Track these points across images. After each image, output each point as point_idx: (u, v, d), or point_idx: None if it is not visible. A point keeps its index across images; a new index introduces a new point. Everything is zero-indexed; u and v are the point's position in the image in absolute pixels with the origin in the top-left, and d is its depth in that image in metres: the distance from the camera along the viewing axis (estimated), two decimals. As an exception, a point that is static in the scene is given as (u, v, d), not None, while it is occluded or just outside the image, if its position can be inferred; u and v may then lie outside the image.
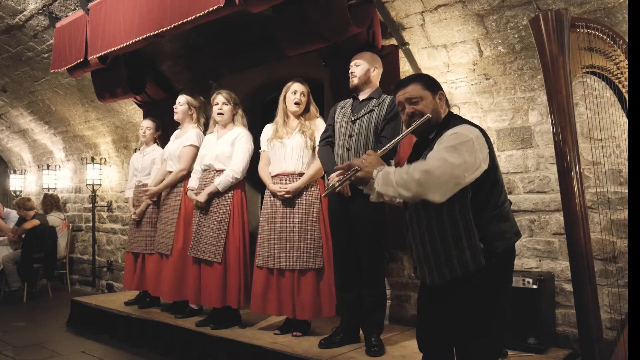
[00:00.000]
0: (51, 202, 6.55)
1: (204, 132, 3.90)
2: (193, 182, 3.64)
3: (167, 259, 3.80)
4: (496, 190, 1.86)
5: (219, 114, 3.55)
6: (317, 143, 3.17)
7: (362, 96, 2.99)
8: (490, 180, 1.84)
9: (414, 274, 2.06)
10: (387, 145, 2.04)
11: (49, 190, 7.21)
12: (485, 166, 1.79)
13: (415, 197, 1.76)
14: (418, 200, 1.80)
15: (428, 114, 1.88)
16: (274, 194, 3.24)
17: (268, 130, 3.39)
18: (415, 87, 1.92)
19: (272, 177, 3.30)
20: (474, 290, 1.83)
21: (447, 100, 2.00)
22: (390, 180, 1.79)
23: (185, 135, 3.91)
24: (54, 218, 6.30)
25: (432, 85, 1.95)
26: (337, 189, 2.21)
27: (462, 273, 1.80)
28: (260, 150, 3.42)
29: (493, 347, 1.89)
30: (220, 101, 3.54)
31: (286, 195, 3.17)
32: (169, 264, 3.77)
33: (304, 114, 3.29)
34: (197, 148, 3.79)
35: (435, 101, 1.92)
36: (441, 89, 1.97)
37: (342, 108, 3.05)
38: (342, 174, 1.97)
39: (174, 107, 3.99)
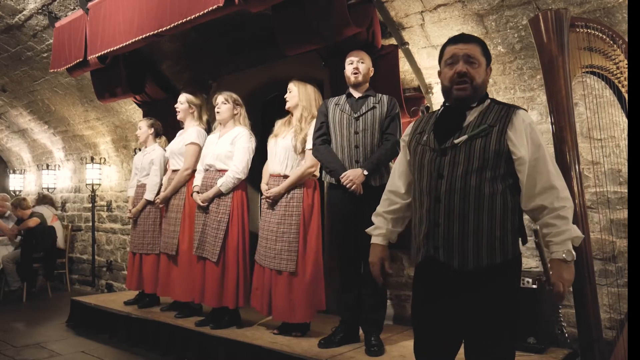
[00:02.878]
0: (45, 199, 6.59)
1: (208, 131, 3.91)
2: (197, 182, 3.65)
3: (172, 259, 3.80)
4: None
5: (217, 112, 3.57)
6: (308, 145, 3.12)
7: (358, 94, 2.98)
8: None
9: (423, 253, 1.76)
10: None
11: (48, 190, 7.21)
12: None
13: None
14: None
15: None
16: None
17: (276, 126, 3.42)
18: (477, 49, 1.75)
19: (269, 175, 3.32)
20: (506, 283, 1.68)
21: None
22: (573, 236, 1.64)
23: (187, 133, 3.91)
24: (45, 209, 6.31)
25: (488, 56, 1.80)
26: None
27: (501, 260, 1.65)
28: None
29: (512, 349, 1.76)
30: (220, 101, 3.56)
31: (268, 200, 3.22)
32: (178, 263, 3.76)
33: (298, 114, 3.24)
34: (199, 145, 3.79)
35: (487, 72, 1.79)
36: (491, 61, 1.85)
37: (336, 105, 3.01)
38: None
39: (176, 106, 4.01)
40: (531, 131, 1.70)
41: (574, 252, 1.63)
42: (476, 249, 1.66)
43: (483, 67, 1.76)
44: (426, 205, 1.75)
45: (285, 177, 3.20)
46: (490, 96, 1.82)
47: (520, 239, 1.74)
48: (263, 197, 3.27)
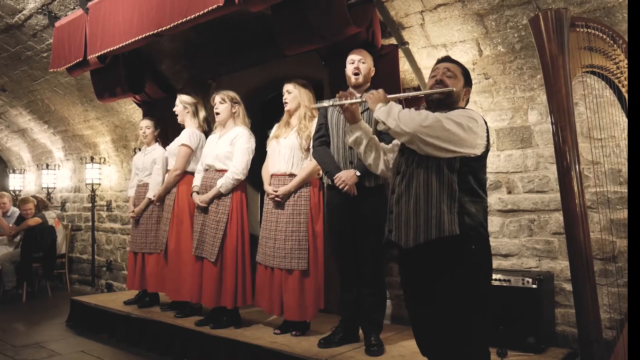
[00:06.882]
0: (42, 205, 6.55)
1: (209, 131, 3.92)
2: (196, 182, 3.65)
3: (164, 257, 3.84)
4: (478, 183, 1.97)
5: (216, 113, 3.57)
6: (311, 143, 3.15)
7: (357, 94, 2.98)
8: (476, 171, 1.96)
9: (385, 237, 2.13)
10: (399, 95, 2.24)
11: (47, 190, 7.20)
12: (478, 152, 1.94)
13: (412, 136, 1.89)
14: (411, 142, 1.92)
15: (452, 88, 2.03)
16: (267, 194, 3.29)
17: (274, 129, 3.43)
18: (457, 67, 2.12)
19: (270, 176, 3.32)
20: (455, 281, 1.91)
21: (468, 100, 2.19)
22: (394, 113, 1.94)
23: (181, 134, 3.94)
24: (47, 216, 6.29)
25: (467, 78, 2.15)
26: (329, 106, 2.51)
27: (436, 235, 1.90)
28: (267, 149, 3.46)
29: (474, 346, 1.94)
30: (217, 101, 3.56)
31: (276, 199, 3.20)
32: (168, 263, 3.79)
33: (302, 113, 3.27)
34: (190, 147, 3.82)
35: (462, 88, 2.09)
36: (471, 87, 2.18)
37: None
38: (343, 97, 2.16)
39: (174, 109, 4.03)
40: (456, 113, 1.99)
41: (382, 108, 2.01)
42: (416, 227, 1.95)
43: (460, 82, 2.09)
44: None
45: (291, 175, 3.21)
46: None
47: (466, 218, 1.91)
48: (269, 197, 3.24)
